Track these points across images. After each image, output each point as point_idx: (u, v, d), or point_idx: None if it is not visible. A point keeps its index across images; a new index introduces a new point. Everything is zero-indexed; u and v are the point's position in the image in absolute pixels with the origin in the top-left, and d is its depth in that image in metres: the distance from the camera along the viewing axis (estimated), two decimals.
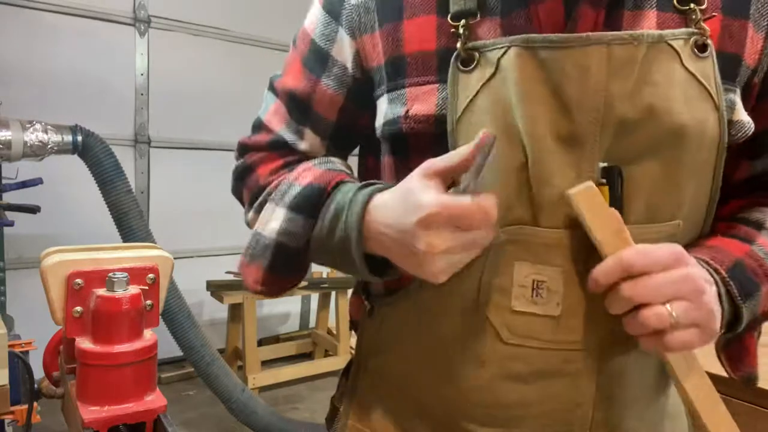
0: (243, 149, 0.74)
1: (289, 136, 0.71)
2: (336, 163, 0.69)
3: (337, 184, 0.63)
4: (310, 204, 0.63)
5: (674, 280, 0.52)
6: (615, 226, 0.54)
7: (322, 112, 0.69)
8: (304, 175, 0.65)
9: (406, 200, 0.54)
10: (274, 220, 0.65)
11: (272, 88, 0.74)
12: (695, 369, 0.56)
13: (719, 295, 0.56)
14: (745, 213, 0.66)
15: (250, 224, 0.72)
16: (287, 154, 0.71)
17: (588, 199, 0.54)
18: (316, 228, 0.62)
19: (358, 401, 0.73)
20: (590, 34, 0.53)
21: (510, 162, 0.56)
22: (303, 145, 0.71)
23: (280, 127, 0.71)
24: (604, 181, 0.56)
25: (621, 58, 0.53)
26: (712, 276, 0.56)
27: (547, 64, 0.54)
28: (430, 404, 0.66)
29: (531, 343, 0.59)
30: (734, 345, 0.63)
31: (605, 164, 0.56)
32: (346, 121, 0.70)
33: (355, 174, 0.72)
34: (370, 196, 0.58)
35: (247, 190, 0.72)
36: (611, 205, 0.55)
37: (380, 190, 0.59)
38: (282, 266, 0.65)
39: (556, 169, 0.55)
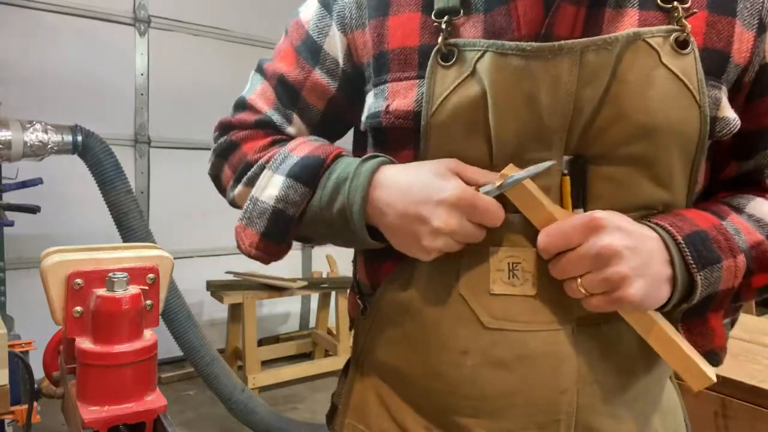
0: (226, 127, 0.74)
1: (277, 118, 0.71)
2: (327, 142, 0.70)
3: (337, 157, 0.64)
4: (310, 172, 0.63)
5: (583, 256, 0.54)
6: (536, 207, 0.58)
7: (312, 100, 0.71)
8: (301, 147, 0.65)
9: (429, 180, 0.57)
10: (271, 186, 0.65)
11: (261, 70, 0.74)
12: (646, 317, 0.57)
13: (671, 261, 0.56)
14: (728, 198, 0.66)
15: (236, 199, 0.71)
16: (274, 134, 0.71)
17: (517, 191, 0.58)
18: (315, 197, 0.63)
19: (354, 399, 0.73)
20: (562, 42, 0.54)
21: (479, 155, 0.59)
22: (290, 129, 0.72)
23: (267, 108, 0.72)
24: (566, 172, 0.58)
25: (594, 63, 0.54)
26: (664, 240, 0.56)
27: (520, 72, 0.55)
28: (421, 400, 0.66)
29: (511, 326, 0.60)
30: (694, 320, 0.60)
31: (569, 157, 0.58)
32: (334, 111, 0.71)
33: None
34: (377, 167, 0.60)
35: (230, 166, 0.72)
36: (573, 196, 0.58)
37: (385, 164, 0.61)
38: (277, 233, 0.65)
39: (522, 165, 0.57)
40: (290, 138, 0.71)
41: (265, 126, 0.72)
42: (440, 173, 0.57)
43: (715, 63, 0.58)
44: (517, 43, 0.55)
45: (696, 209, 0.62)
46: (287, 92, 0.71)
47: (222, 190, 0.77)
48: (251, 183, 0.68)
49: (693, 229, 0.57)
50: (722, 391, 1.15)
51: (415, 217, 0.57)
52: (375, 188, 0.59)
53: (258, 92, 0.73)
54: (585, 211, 0.58)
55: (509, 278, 0.60)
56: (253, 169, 0.68)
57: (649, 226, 0.57)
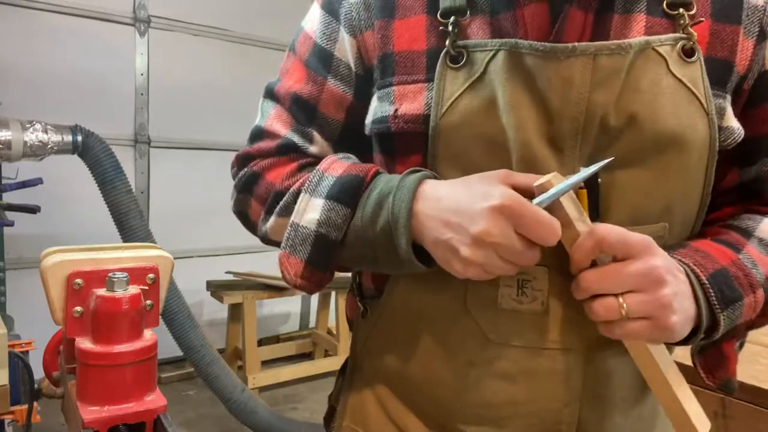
0: (245, 160, 0.70)
1: (298, 139, 0.68)
2: (356, 158, 0.67)
3: (375, 174, 0.61)
4: (350, 192, 0.59)
5: (634, 273, 0.51)
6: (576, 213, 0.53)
7: (330, 113, 0.68)
8: (335, 167, 0.62)
9: (473, 188, 0.53)
10: (311, 210, 0.61)
11: (271, 94, 0.71)
12: (653, 357, 0.54)
13: (696, 297, 0.55)
14: (736, 220, 0.66)
15: (269, 232, 0.67)
16: (298, 158, 0.68)
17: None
18: (356, 216, 0.59)
19: (352, 402, 0.73)
20: (576, 44, 0.53)
21: (493, 164, 0.56)
22: (313, 149, 0.69)
23: (286, 131, 0.68)
24: (582, 185, 0.56)
25: (606, 68, 0.54)
26: (689, 278, 0.55)
27: (533, 72, 0.54)
28: (423, 405, 0.66)
29: (517, 342, 0.59)
30: (710, 351, 0.61)
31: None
32: (353, 120, 0.68)
33: None
34: (421, 180, 0.57)
35: (257, 199, 0.68)
36: (590, 208, 0.56)
37: (429, 177, 0.58)
38: (321, 259, 0.62)
39: (538, 172, 0.55)
40: (315, 159, 0.68)
41: (288, 150, 0.68)
42: (487, 180, 0.53)
43: (719, 72, 0.58)
44: (531, 42, 0.54)
45: (709, 241, 0.61)
46: (303, 110, 0.68)
47: (250, 225, 0.72)
48: (285, 213, 0.64)
49: (715, 267, 0.57)
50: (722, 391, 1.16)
51: (456, 225, 0.52)
52: (419, 200, 0.55)
53: (273, 117, 0.70)
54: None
55: (518, 295, 0.59)
56: (285, 198, 0.64)
57: (676, 261, 0.56)
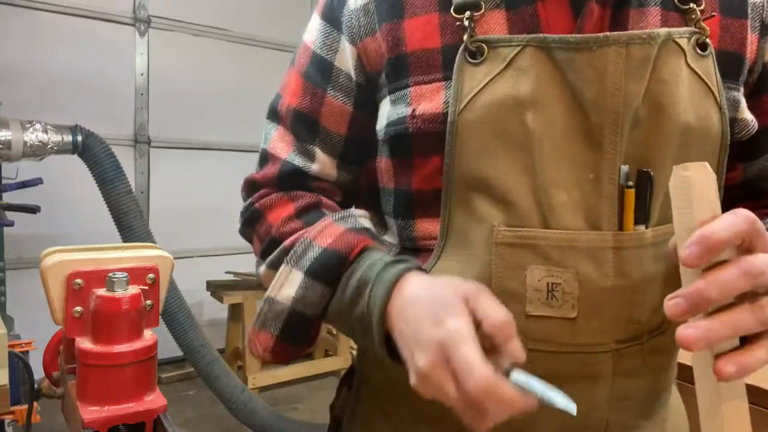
0: (252, 186, 0.70)
1: (298, 161, 0.67)
2: (357, 217, 0.65)
3: (361, 251, 0.59)
4: (331, 271, 0.59)
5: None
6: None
7: (331, 126, 0.67)
8: (324, 235, 0.61)
9: (430, 318, 0.48)
10: (288, 285, 0.60)
11: (272, 114, 0.70)
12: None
13: None
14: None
15: (263, 279, 0.67)
16: (300, 196, 0.67)
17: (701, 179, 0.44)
18: (335, 297, 0.59)
19: (362, 416, 0.71)
20: (608, 34, 0.53)
21: (515, 163, 0.55)
22: (314, 167, 0.67)
23: (287, 153, 0.67)
24: (631, 184, 0.54)
25: (638, 58, 0.53)
26: None
27: (563, 65, 0.53)
28: (442, 416, 0.64)
29: (547, 347, 0.57)
30: None
31: (628, 167, 0.54)
32: (356, 132, 0.67)
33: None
34: (398, 278, 0.54)
35: (258, 238, 0.68)
36: (638, 209, 0.54)
37: (409, 270, 0.54)
38: (294, 334, 0.62)
39: (570, 171, 0.54)
40: (316, 198, 0.67)
41: (288, 177, 0.67)
42: (445, 309, 0.48)
43: (731, 65, 0.58)
44: (560, 35, 0.53)
45: None
46: (304, 125, 0.67)
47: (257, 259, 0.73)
48: (274, 266, 0.64)
49: None
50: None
51: (408, 349, 0.49)
52: (394, 300, 0.53)
53: (275, 138, 0.69)
54: (647, 227, 0.55)
55: (547, 299, 0.56)
56: (277, 252, 0.64)
57: None
